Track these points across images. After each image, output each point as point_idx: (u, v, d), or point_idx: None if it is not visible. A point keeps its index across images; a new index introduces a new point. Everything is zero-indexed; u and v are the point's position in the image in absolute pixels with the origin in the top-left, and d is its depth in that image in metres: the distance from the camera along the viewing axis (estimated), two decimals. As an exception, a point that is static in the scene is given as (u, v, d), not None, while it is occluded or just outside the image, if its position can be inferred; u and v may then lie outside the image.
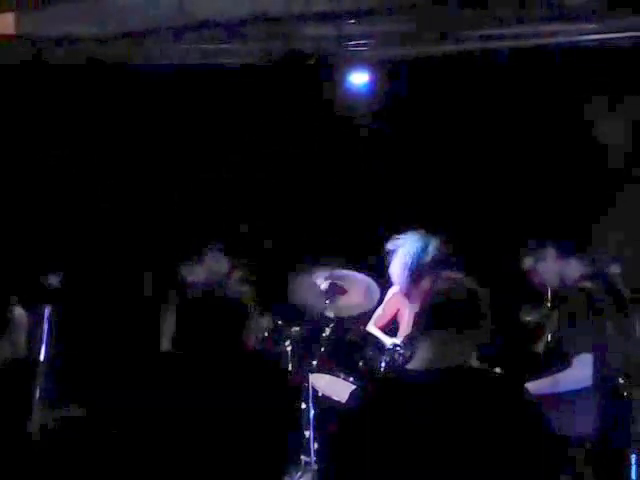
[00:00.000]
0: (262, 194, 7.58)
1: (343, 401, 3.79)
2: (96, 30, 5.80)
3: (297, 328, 5.98)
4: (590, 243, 5.26)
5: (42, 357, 4.62)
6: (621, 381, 4.51)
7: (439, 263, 5.51)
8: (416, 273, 5.55)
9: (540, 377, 4.61)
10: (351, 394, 3.31)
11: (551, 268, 4.89)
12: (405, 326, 5.85)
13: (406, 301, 5.85)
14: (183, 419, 3.54)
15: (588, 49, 6.40)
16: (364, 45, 6.68)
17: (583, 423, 4.60)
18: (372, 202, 7.41)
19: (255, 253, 6.86)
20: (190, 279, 5.88)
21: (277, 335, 5.97)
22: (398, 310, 5.99)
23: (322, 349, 5.77)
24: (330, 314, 5.84)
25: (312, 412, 5.78)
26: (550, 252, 4.88)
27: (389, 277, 5.79)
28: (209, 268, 6.04)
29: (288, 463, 5.06)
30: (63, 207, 7.17)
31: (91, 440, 4.68)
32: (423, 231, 5.71)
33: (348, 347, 5.74)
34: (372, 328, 6.00)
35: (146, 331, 5.75)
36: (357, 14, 5.46)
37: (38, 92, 6.91)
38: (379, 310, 6.09)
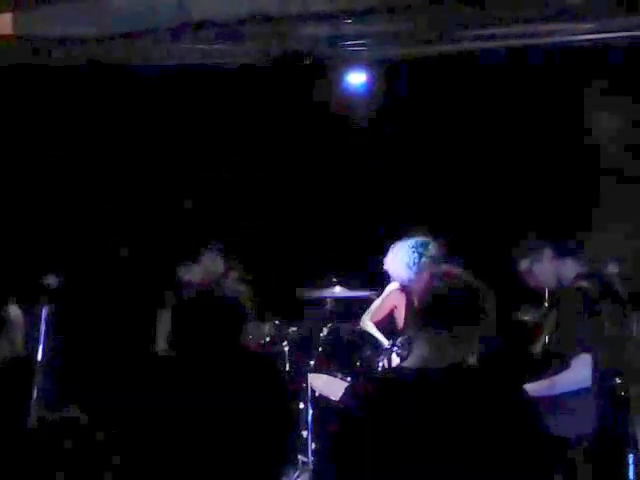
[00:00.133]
0: (261, 194, 7.59)
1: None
2: (94, 30, 5.81)
3: (294, 328, 5.99)
4: (587, 243, 5.25)
5: (40, 357, 4.62)
6: (618, 381, 4.51)
7: (438, 260, 5.50)
8: (414, 270, 5.55)
9: (539, 378, 4.60)
10: (345, 391, 3.30)
11: (547, 268, 4.88)
12: (402, 323, 5.84)
13: (404, 298, 5.84)
14: (180, 419, 3.54)
15: (585, 49, 6.40)
16: (361, 45, 6.69)
17: (581, 423, 4.60)
18: (370, 202, 7.41)
19: (254, 254, 6.87)
20: (187, 279, 5.88)
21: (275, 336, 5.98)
22: (395, 307, 5.98)
23: (320, 349, 5.77)
24: None
25: (310, 412, 5.80)
26: (546, 252, 4.87)
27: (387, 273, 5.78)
28: (207, 268, 6.04)
29: (286, 463, 5.07)
30: (62, 207, 7.18)
31: (89, 441, 4.68)
32: (422, 229, 5.71)
33: (346, 347, 5.74)
34: (367, 322, 5.98)
35: (144, 331, 5.75)
36: (354, 14, 5.47)
37: (36, 93, 6.91)
38: (376, 304, 6.06)
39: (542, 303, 5.10)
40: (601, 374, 4.58)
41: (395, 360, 5.33)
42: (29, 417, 4.40)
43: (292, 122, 7.44)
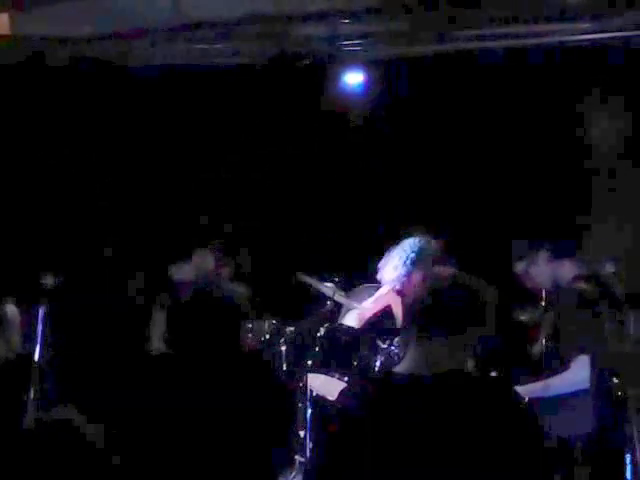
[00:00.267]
0: (259, 194, 7.58)
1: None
2: (91, 31, 5.81)
3: (292, 328, 5.98)
4: (581, 244, 5.26)
5: (37, 357, 4.62)
6: (616, 381, 4.51)
7: (433, 262, 5.49)
8: (410, 271, 5.53)
9: (537, 379, 4.60)
10: (341, 392, 3.29)
11: (544, 270, 4.88)
12: (398, 324, 5.82)
13: (399, 299, 5.81)
14: (178, 419, 3.54)
15: (583, 48, 6.40)
16: (358, 45, 6.69)
17: (579, 423, 4.59)
18: (368, 201, 7.41)
19: (253, 253, 6.87)
20: (183, 279, 5.87)
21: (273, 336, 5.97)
22: (389, 306, 5.94)
23: (317, 349, 5.76)
24: None
25: (309, 412, 5.78)
26: (542, 254, 4.87)
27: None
28: (198, 266, 6.03)
29: (283, 462, 5.06)
30: (60, 207, 7.17)
31: (87, 440, 4.68)
32: (418, 230, 5.70)
33: (343, 347, 5.73)
34: (349, 319, 5.93)
35: (139, 331, 5.75)
36: (351, 14, 5.47)
37: (34, 92, 6.91)
38: (367, 303, 6.02)
39: (538, 304, 5.10)
40: (599, 375, 4.58)
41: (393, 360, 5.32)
42: (25, 417, 4.40)
43: (290, 122, 7.44)
